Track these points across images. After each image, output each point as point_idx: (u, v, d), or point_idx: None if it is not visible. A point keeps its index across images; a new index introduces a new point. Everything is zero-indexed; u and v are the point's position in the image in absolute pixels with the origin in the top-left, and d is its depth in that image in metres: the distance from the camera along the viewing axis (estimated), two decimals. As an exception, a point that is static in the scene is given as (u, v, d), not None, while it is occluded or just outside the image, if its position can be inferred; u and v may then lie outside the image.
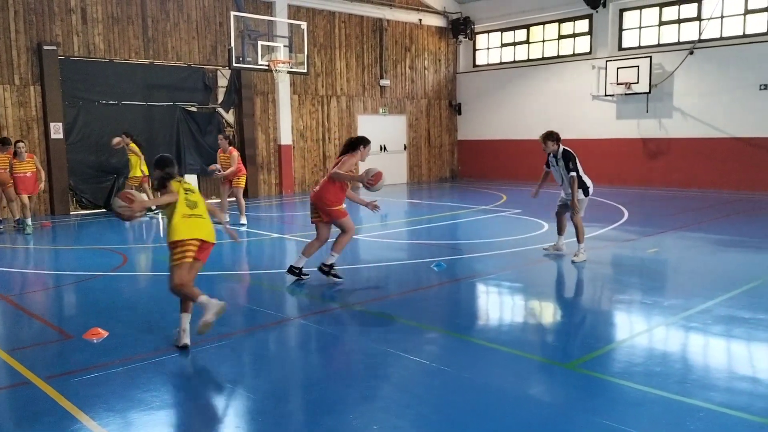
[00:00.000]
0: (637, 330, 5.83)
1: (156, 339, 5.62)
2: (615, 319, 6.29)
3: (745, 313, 6.07)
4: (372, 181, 7.23)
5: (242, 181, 12.49)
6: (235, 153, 12.37)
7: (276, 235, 11.35)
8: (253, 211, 14.99)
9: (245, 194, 17.51)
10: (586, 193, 8.64)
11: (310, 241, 7.79)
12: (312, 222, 7.69)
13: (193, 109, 16.79)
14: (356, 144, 7.55)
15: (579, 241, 8.57)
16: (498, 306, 7.01)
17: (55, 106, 14.35)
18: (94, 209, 14.99)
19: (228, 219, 7.37)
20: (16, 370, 4.88)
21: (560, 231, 9.03)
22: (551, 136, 8.63)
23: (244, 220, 12.34)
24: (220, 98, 17.30)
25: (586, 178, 8.68)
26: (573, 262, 8.47)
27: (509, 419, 3.99)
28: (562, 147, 8.65)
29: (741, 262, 8.64)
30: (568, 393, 4.43)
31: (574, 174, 8.43)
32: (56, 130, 14.35)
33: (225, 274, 8.37)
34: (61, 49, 14.42)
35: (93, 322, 5.96)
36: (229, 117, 17.53)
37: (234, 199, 12.63)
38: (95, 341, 5.53)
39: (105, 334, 5.65)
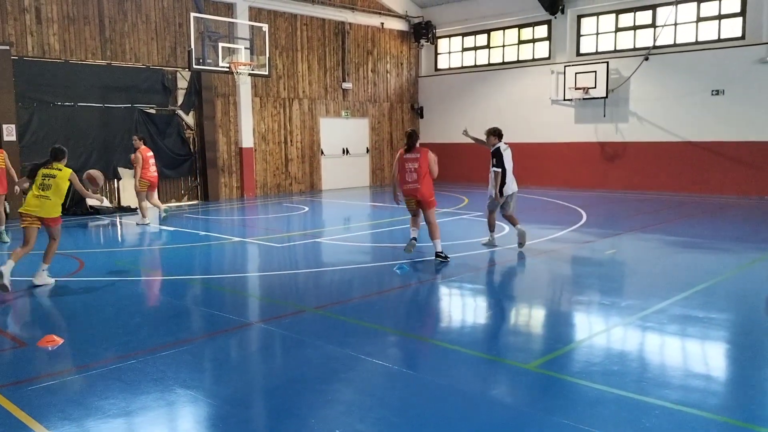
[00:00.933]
0: (595, 330, 5.94)
1: (114, 345, 5.51)
2: (574, 320, 6.39)
3: (699, 313, 6.24)
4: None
5: (141, 185, 12.94)
6: (139, 154, 12.85)
7: (237, 239, 11.23)
8: (214, 214, 14.82)
9: (210, 197, 17.35)
10: (500, 192, 9.39)
11: (412, 220, 9.15)
12: (413, 211, 9.05)
13: (152, 111, 16.52)
14: (417, 136, 9.24)
15: (491, 229, 9.80)
16: (459, 308, 7.06)
17: (8, 107, 13.96)
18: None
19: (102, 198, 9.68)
20: (-33, 379, 4.73)
21: (491, 228, 9.84)
22: (494, 132, 9.61)
23: (141, 220, 12.99)
24: (180, 100, 17.05)
25: (508, 180, 9.43)
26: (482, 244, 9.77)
27: (471, 420, 4.02)
28: (498, 145, 9.47)
29: (695, 262, 8.87)
30: (528, 393, 4.49)
31: (496, 170, 9.33)
32: (9, 132, 13.96)
33: (186, 279, 8.25)
34: (14, 49, 14.04)
35: (48, 329, 5.82)
36: (189, 119, 17.30)
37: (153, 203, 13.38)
38: (50, 348, 5.39)
39: (60, 341, 5.51)
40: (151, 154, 13.17)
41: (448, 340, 5.67)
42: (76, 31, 15.00)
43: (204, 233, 11.74)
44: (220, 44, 15.07)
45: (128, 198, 16.01)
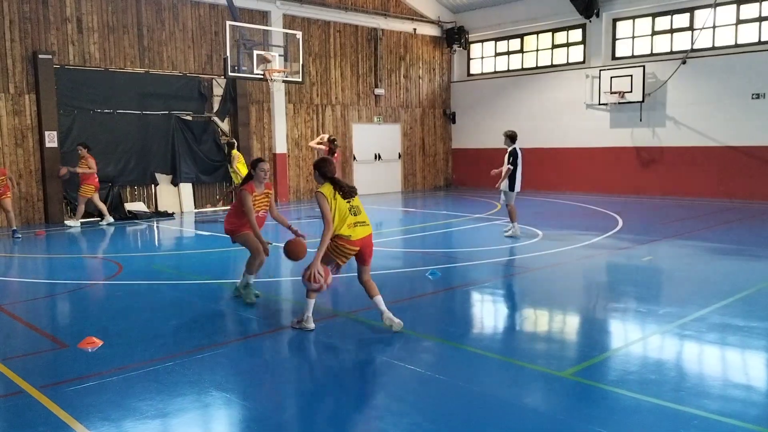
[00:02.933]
0: (631, 338, 5.85)
1: (152, 348, 5.61)
2: (610, 327, 6.31)
3: (739, 321, 6.10)
4: None
5: (85, 190, 13.81)
6: (90, 160, 13.76)
7: (269, 244, 11.31)
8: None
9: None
10: (512, 188, 10.97)
11: None
12: None
13: (189, 117, 16.80)
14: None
15: (512, 221, 11.09)
16: (492, 314, 7.02)
17: (50, 114, 14.33)
18: (88, 218, 14.95)
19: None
20: (10, 379, 4.86)
21: (512, 219, 11.20)
22: (505, 135, 11.08)
23: (71, 222, 13.92)
24: (216, 107, 17.31)
25: (518, 177, 10.96)
26: (504, 232, 11.21)
27: (504, 428, 3.99)
28: (512, 146, 10.97)
29: (735, 270, 8.68)
30: (563, 401, 4.44)
31: (509, 167, 10.93)
32: (51, 139, 14.34)
33: (220, 282, 8.36)
34: (56, 57, 14.43)
35: (88, 331, 5.95)
36: (225, 126, 17.55)
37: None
38: (90, 350, 5.51)
39: (100, 343, 5.64)
40: (94, 161, 14.10)
41: (481, 346, 5.65)
42: (115, 40, 15.35)
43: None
44: (255, 52, 15.26)
45: (165, 203, 16.30)
